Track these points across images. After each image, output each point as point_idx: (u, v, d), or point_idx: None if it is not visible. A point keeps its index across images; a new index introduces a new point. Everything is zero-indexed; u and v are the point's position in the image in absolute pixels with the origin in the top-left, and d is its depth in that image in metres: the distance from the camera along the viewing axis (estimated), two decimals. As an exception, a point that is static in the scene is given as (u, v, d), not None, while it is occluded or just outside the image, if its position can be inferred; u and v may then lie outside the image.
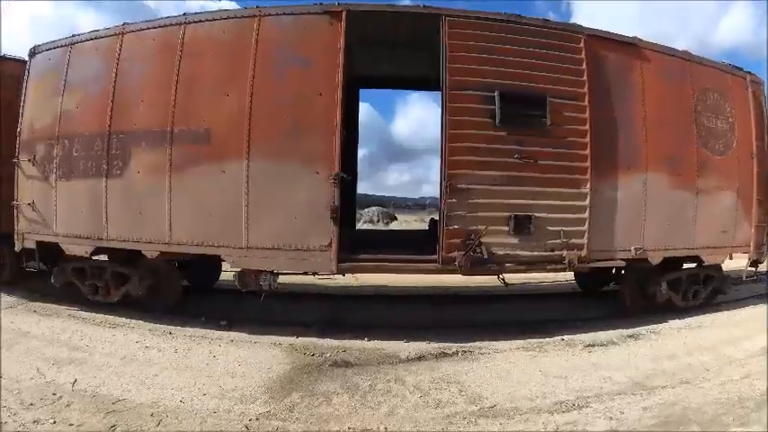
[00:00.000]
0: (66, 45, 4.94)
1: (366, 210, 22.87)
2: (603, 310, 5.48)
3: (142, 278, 4.77)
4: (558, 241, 4.39)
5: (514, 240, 4.32)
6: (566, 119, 4.43)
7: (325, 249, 4.18)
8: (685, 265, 5.37)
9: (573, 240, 4.41)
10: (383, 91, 8.45)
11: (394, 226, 20.20)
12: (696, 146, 5.06)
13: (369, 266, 4.47)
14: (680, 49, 5.22)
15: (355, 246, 4.74)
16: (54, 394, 3.00)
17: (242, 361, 3.68)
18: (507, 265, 4.35)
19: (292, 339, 4.18)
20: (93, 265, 4.90)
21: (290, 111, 4.21)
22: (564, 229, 4.38)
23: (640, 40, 4.91)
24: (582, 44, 4.54)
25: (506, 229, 4.29)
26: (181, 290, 5.15)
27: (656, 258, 4.85)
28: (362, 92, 7.29)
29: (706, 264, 5.24)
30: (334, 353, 3.89)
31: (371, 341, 4.21)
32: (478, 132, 4.25)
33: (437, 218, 4.60)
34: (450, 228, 4.23)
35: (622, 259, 4.75)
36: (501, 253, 4.29)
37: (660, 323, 4.80)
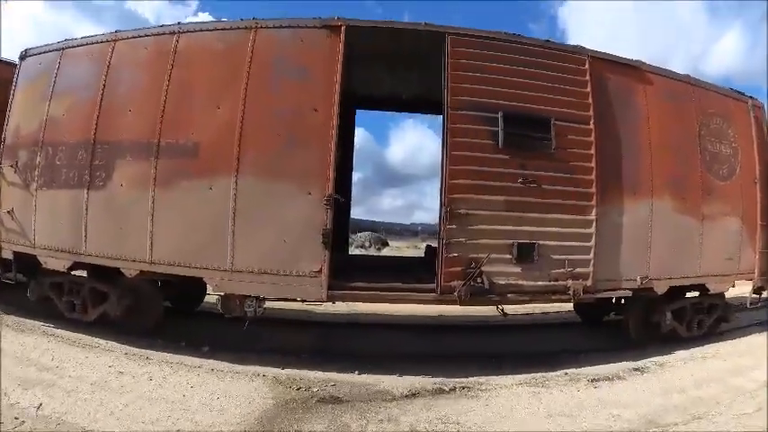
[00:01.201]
0: (57, 50, 4.81)
1: (358, 234, 22.65)
2: (604, 341, 5.29)
3: (121, 297, 4.51)
4: (562, 270, 4.20)
5: (517, 269, 4.12)
6: (571, 142, 4.30)
7: (316, 275, 3.95)
8: (687, 294, 5.20)
9: (578, 269, 4.23)
10: (378, 116, 8.36)
11: (386, 252, 19.95)
12: (701, 171, 4.96)
13: (362, 295, 4.21)
14: (682, 73, 5.16)
15: (348, 271, 4.52)
16: (16, 418, 2.81)
17: (221, 393, 3.43)
18: (510, 295, 4.14)
19: (277, 371, 3.92)
20: (71, 280, 4.66)
21: (284, 126, 4.04)
22: (569, 257, 4.21)
23: (644, 63, 4.87)
24: (586, 66, 4.46)
25: (509, 257, 4.10)
26: (161, 312, 4.88)
27: (661, 287, 4.68)
28: (357, 116, 7.15)
29: (711, 292, 5.08)
30: (321, 387, 3.64)
31: (363, 374, 3.96)
32: (480, 155, 4.10)
33: (434, 244, 4.39)
34: (450, 255, 4.03)
35: (628, 289, 4.56)
36: (503, 282, 4.09)
37: (665, 354, 4.65)
